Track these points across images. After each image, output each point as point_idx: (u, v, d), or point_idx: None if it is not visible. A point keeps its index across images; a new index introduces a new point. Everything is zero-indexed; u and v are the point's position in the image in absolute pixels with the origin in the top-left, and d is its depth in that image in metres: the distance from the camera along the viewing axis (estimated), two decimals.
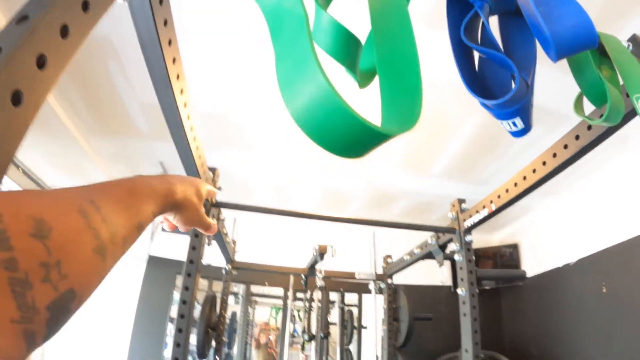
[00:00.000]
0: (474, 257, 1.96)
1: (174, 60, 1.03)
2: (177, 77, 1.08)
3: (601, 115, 0.85)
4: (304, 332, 2.55)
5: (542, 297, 4.05)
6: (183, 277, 1.86)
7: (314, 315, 3.01)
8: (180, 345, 1.75)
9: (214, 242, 2.44)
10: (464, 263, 1.92)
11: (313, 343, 3.45)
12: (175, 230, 0.77)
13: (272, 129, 2.97)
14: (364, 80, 0.81)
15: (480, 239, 4.78)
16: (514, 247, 4.52)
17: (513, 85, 0.79)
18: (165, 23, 0.93)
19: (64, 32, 0.54)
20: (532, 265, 4.24)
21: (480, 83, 0.82)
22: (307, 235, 3.16)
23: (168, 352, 4.06)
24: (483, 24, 0.78)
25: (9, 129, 0.48)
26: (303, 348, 3.37)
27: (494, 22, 0.79)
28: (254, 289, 4.76)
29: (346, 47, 0.74)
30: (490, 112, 0.78)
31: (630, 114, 1.02)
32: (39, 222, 0.30)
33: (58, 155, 3.45)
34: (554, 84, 2.32)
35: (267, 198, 4.18)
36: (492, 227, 4.73)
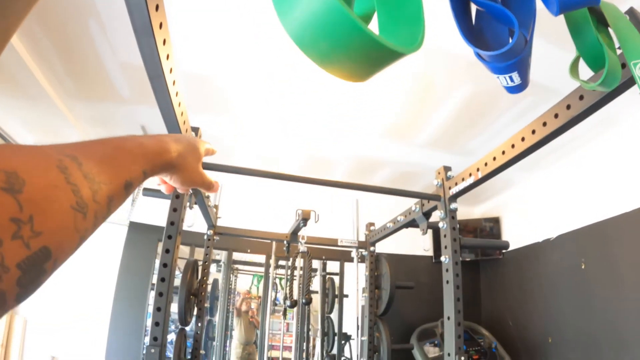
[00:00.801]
0: (458, 225, 1.96)
1: (156, 7, 0.98)
2: (160, 25, 1.03)
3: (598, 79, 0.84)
4: (285, 298, 2.54)
5: (521, 270, 4.12)
6: (164, 240, 1.83)
7: (296, 283, 3.01)
8: (161, 309, 1.74)
9: (196, 207, 2.42)
10: (448, 230, 1.91)
11: (295, 310, 3.47)
12: (172, 192, 0.75)
13: (257, 93, 2.92)
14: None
15: (463, 212, 4.80)
16: (496, 221, 4.56)
17: (510, 40, 0.77)
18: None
19: None
20: (513, 239, 4.28)
21: (477, 37, 0.80)
22: (291, 203, 3.13)
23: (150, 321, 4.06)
24: None
25: None
26: (285, 315, 3.38)
27: None
28: (236, 256, 4.75)
29: None
30: (486, 65, 0.76)
31: (627, 84, 1.00)
32: (11, 175, 0.28)
33: (36, 120, 3.35)
34: (545, 57, 2.31)
35: (252, 164, 4.13)
36: (475, 200, 4.76)
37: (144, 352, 1.64)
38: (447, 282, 1.88)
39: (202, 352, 2.74)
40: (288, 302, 2.47)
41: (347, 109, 2.99)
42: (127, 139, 0.48)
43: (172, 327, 3.96)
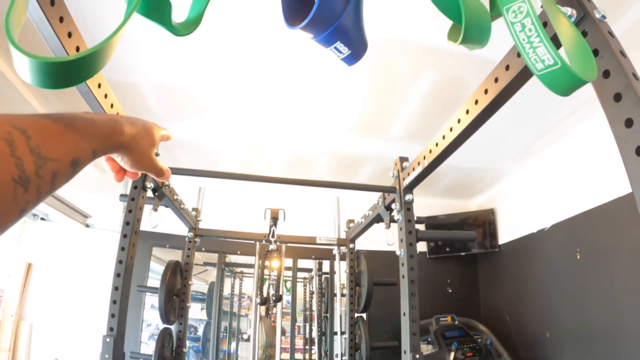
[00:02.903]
0: (414, 217, 1.91)
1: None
2: (61, 19, 1.04)
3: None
4: (256, 296, 2.55)
5: (517, 263, 4.02)
6: (120, 238, 1.89)
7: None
8: (117, 302, 1.86)
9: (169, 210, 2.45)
10: (404, 223, 1.88)
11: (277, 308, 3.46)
12: (121, 175, 0.74)
13: (231, 98, 2.92)
14: (182, 30, 0.78)
15: (459, 205, 4.73)
16: (490, 212, 4.47)
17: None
18: (53, 3, 0.92)
19: None
20: (509, 230, 4.20)
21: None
22: (276, 203, 3.12)
23: (153, 327, 4.13)
24: None
25: None
26: (267, 314, 3.37)
27: None
28: (239, 260, 4.76)
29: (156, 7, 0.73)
30: (317, 41, 0.74)
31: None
32: None
33: None
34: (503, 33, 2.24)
35: (235, 168, 4.14)
36: (469, 193, 4.68)
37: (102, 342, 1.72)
38: (403, 276, 1.84)
39: (185, 350, 2.77)
40: (258, 300, 2.48)
41: (315, 105, 2.96)
42: (79, 116, 0.48)
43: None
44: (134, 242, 1.89)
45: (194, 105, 3.02)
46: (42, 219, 4.05)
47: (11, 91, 2.63)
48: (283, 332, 5.17)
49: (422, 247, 4.54)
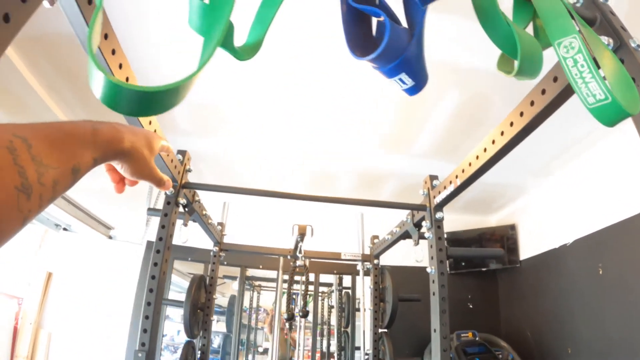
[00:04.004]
0: (444, 235, 1.93)
1: (106, 36, 1.03)
2: (113, 52, 1.08)
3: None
4: (285, 312, 2.57)
5: (538, 278, 3.99)
6: (152, 254, 1.89)
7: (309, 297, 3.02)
8: (149, 317, 1.81)
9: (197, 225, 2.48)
10: (434, 240, 1.89)
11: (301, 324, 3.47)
12: (121, 186, 0.76)
13: (256, 114, 2.96)
14: (244, 55, 0.81)
15: (478, 221, 4.72)
16: (511, 228, 4.45)
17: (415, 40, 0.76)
18: (106, 37, 0.95)
19: None
20: (530, 246, 4.18)
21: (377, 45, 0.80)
22: (301, 218, 3.14)
23: (167, 338, 4.15)
24: None
25: None
26: (290, 328, 3.38)
27: None
28: (258, 273, 4.79)
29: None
30: (380, 71, 0.76)
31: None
32: None
33: None
34: None
35: (260, 184, 4.18)
36: (489, 208, 4.67)
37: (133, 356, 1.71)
38: (434, 293, 1.85)
39: None
40: (285, 315, 2.50)
41: (340, 122, 2.99)
42: (80, 124, 0.49)
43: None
44: (167, 257, 1.91)
45: (220, 122, 3.07)
46: (65, 229, 4.10)
47: (33, 99, 2.69)
48: (296, 346, 5.17)
49: (422, 262, 4.51)
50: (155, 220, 3.91)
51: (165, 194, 1.92)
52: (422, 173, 3.75)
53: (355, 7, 0.76)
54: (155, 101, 0.49)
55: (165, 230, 1.91)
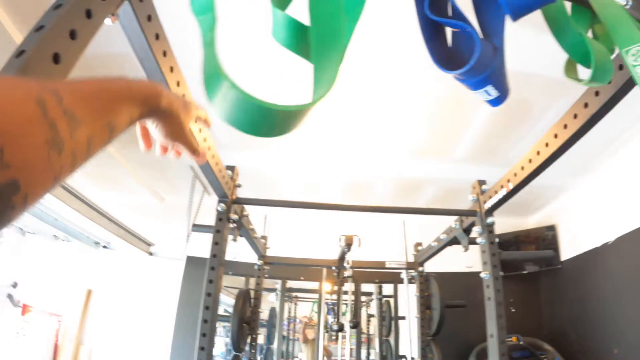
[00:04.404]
0: (496, 240, 1.92)
1: (164, 53, 1.06)
2: (171, 69, 1.12)
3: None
4: (333, 323, 2.57)
5: (581, 278, 3.92)
6: (207, 271, 1.92)
7: (347, 307, 3.03)
8: (206, 335, 1.85)
9: (243, 240, 2.51)
10: (487, 246, 1.89)
11: (348, 334, 3.47)
12: (150, 147, 0.70)
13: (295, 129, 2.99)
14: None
15: (517, 223, 4.66)
16: (551, 229, 4.39)
17: (493, 52, 0.78)
18: (157, 37, 0.98)
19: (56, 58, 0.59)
20: (571, 246, 4.11)
21: (455, 57, 0.81)
22: (339, 228, 3.16)
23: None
24: None
25: None
26: (336, 339, 3.39)
27: None
28: (294, 284, 4.81)
29: (300, 40, 0.75)
30: (464, 84, 0.78)
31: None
32: None
33: (92, 168, 3.59)
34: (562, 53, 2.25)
35: (295, 194, 4.20)
36: (528, 210, 4.61)
37: None
38: (489, 298, 1.84)
39: None
40: (335, 326, 2.50)
41: (377, 129, 3.00)
42: (115, 79, 0.47)
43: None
44: (221, 274, 1.94)
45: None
46: (105, 247, 4.17)
47: None
48: (330, 356, 5.16)
49: (473, 268, 4.46)
50: (196, 236, 3.99)
51: (217, 210, 1.94)
52: (459, 178, 3.77)
53: (432, 19, 0.78)
54: (287, 121, 0.50)
55: (219, 247, 1.94)
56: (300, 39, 0.73)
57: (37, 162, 0.31)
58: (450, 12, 0.80)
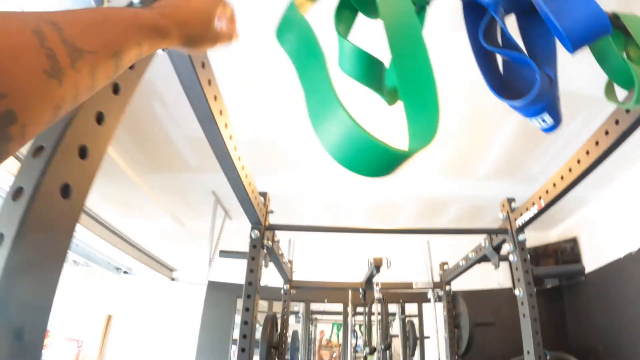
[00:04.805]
0: (528, 256, 1.94)
1: (215, 97, 1.10)
2: (220, 112, 1.15)
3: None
4: (365, 345, 2.57)
5: (605, 290, 3.89)
6: (243, 299, 1.91)
7: (374, 329, 3.02)
8: None
9: (270, 264, 2.52)
10: (519, 263, 1.90)
11: (375, 356, 3.45)
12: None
13: (315, 150, 3.04)
14: (392, 98, 0.85)
15: (537, 237, 4.66)
16: (573, 242, 4.38)
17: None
18: (203, 65, 1.01)
19: (99, 118, 0.61)
20: (593, 258, 4.09)
21: (507, 84, 0.84)
22: (361, 249, 3.19)
23: None
24: (501, 25, 0.81)
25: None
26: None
27: (512, 21, 0.82)
28: (314, 306, 4.80)
29: (369, 71, 0.77)
30: (518, 111, 0.81)
31: None
32: None
33: (115, 194, 3.64)
34: (587, 70, 2.28)
35: (318, 216, 4.24)
36: (548, 223, 4.61)
37: None
38: (524, 315, 1.85)
39: None
40: (367, 349, 2.50)
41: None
42: (121, 9, 0.44)
43: None
44: (257, 301, 1.95)
45: (279, 159, 3.15)
46: (125, 272, 4.19)
47: None
48: None
49: (508, 282, 4.44)
50: (217, 261, 4.00)
51: (251, 237, 1.96)
52: (483, 195, 3.80)
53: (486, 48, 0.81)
54: (396, 164, 0.50)
55: (254, 274, 1.94)
56: (370, 71, 0.76)
57: (34, 92, 0.30)
58: (500, 40, 0.84)
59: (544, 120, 0.79)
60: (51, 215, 0.53)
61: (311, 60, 0.54)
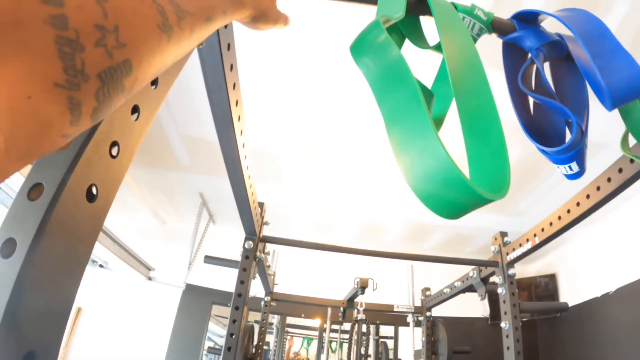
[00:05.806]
0: (516, 290, 1.96)
1: (236, 102, 1.10)
2: (239, 118, 1.15)
3: None
4: None
5: (580, 328, 3.95)
6: (231, 311, 1.88)
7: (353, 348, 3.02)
8: None
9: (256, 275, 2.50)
10: (507, 296, 1.93)
11: None
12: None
13: (307, 163, 3.04)
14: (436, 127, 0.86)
15: (518, 270, 4.71)
16: (551, 277, 4.44)
17: (567, 129, 0.83)
18: (232, 68, 1.00)
19: (135, 111, 0.55)
20: (570, 295, 4.16)
21: (535, 126, 0.86)
22: (345, 268, 3.19)
23: None
24: (538, 70, 0.83)
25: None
26: None
27: (545, 66, 0.83)
28: (291, 320, 4.78)
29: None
30: (546, 156, 0.82)
31: None
32: None
33: None
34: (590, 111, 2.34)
35: (304, 230, 4.23)
36: (528, 258, 4.67)
37: None
38: (508, 348, 1.87)
39: None
40: None
41: (388, 171, 3.06)
42: None
43: None
44: (245, 314, 1.92)
45: (269, 168, 3.15)
46: (101, 266, 4.08)
47: None
48: None
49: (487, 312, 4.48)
50: (198, 264, 3.94)
51: (244, 247, 1.94)
52: (468, 225, 3.84)
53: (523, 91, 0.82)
54: (475, 208, 0.49)
55: (244, 285, 1.91)
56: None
57: (149, 45, 0.30)
58: (533, 83, 0.86)
59: (570, 168, 0.80)
60: (74, 221, 0.44)
61: (400, 87, 0.52)
